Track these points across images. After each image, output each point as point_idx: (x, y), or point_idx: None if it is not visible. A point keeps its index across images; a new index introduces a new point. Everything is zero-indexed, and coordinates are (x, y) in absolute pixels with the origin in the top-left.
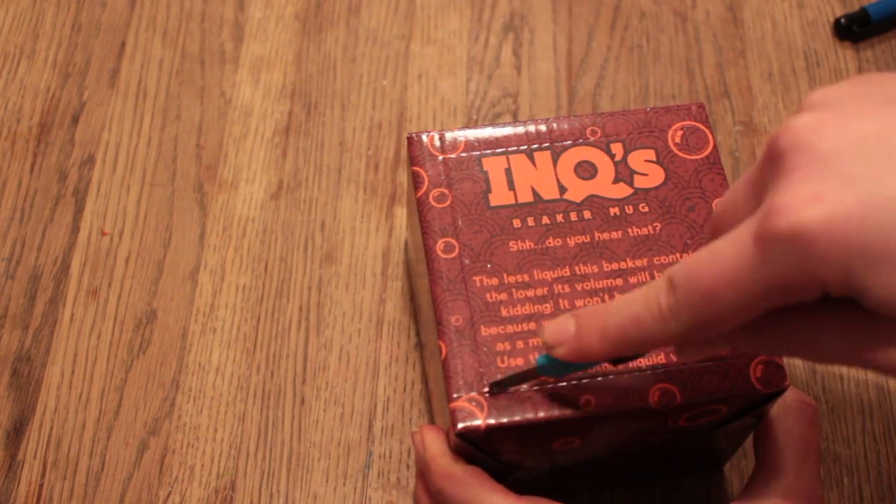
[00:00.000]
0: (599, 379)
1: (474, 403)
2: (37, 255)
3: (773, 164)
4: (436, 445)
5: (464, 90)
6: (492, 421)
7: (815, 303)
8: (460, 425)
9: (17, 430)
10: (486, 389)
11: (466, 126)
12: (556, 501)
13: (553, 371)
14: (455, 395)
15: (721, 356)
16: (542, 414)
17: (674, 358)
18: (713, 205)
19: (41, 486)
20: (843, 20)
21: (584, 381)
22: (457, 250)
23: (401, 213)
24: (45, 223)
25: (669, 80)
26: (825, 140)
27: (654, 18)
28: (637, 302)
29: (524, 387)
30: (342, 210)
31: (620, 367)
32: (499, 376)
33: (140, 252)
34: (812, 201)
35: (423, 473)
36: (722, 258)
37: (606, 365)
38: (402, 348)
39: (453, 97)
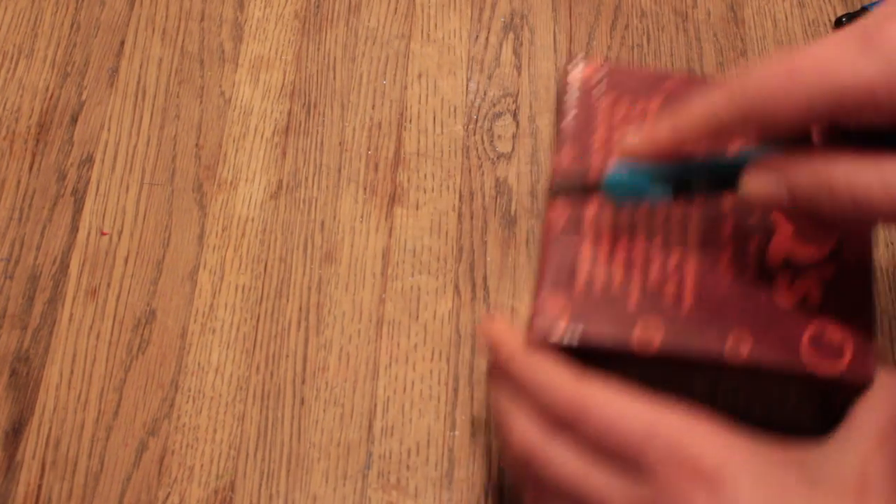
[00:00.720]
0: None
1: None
2: (35, 254)
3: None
4: (503, 333)
5: (464, 90)
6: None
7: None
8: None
9: (16, 431)
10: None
11: None
12: (624, 386)
13: (618, 189)
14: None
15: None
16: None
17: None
18: None
19: (40, 486)
20: (844, 19)
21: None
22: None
23: (401, 213)
24: (43, 223)
25: None
26: None
27: (654, 18)
28: (707, 97)
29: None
30: (342, 210)
31: (685, 201)
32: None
33: (139, 252)
34: None
35: (492, 353)
36: (819, 48)
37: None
38: (402, 348)
39: (453, 97)
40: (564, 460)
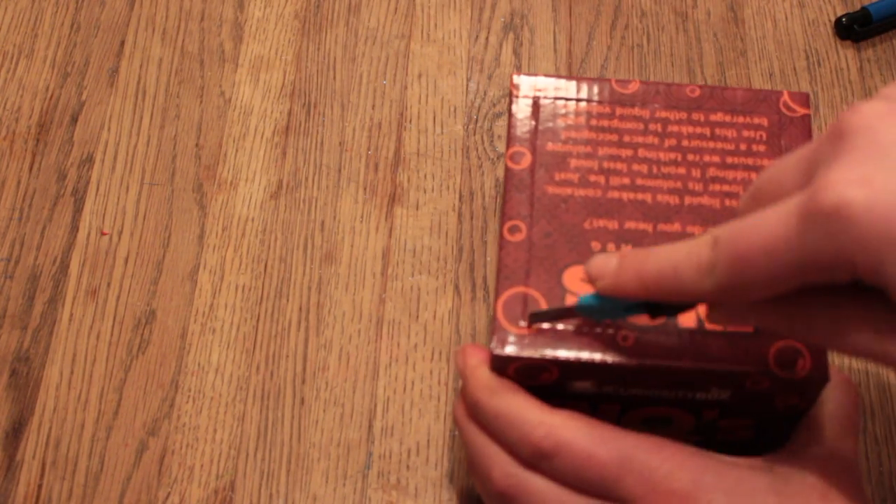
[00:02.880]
0: (634, 332)
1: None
2: (35, 254)
3: (832, 143)
4: (475, 360)
5: (464, 90)
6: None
7: (846, 288)
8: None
9: (16, 431)
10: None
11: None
12: (591, 417)
13: (592, 312)
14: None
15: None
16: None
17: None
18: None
19: (40, 486)
20: (844, 19)
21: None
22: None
23: (401, 213)
24: (43, 223)
25: (670, 79)
26: (889, 130)
27: (654, 18)
28: (679, 252)
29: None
30: (342, 210)
31: (656, 321)
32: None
33: (139, 252)
34: (860, 183)
35: (462, 388)
36: (764, 225)
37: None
38: (402, 348)
39: (453, 97)
40: (547, 492)
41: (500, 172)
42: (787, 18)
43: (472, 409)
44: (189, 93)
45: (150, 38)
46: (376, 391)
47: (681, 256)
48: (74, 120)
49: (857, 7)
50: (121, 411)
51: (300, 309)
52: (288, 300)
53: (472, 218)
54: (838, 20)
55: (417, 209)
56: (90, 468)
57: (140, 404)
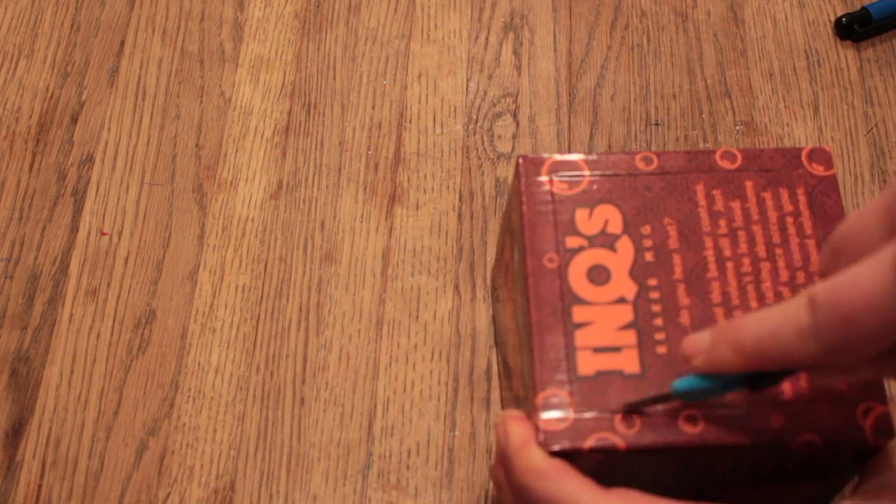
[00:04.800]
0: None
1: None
2: (35, 254)
3: None
4: (519, 436)
5: (464, 90)
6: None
7: None
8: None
9: (16, 431)
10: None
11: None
12: (647, 494)
13: (689, 395)
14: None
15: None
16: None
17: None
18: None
19: (40, 486)
20: (844, 19)
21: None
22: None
23: (400, 213)
24: (43, 223)
25: (670, 79)
26: None
27: (654, 18)
28: (776, 317)
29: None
30: (342, 210)
31: (758, 391)
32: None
33: (139, 252)
34: None
35: (505, 465)
36: (863, 280)
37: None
38: (402, 348)
39: (453, 97)
40: None
41: (500, 172)
42: (787, 18)
43: (518, 492)
44: (189, 93)
45: (150, 38)
46: (376, 391)
47: (777, 322)
48: (74, 120)
49: (857, 7)
50: (121, 411)
51: (300, 309)
52: (288, 300)
53: (472, 218)
54: (838, 20)
55: (417, 209)
56: (90, 468)
57: (140, 404)
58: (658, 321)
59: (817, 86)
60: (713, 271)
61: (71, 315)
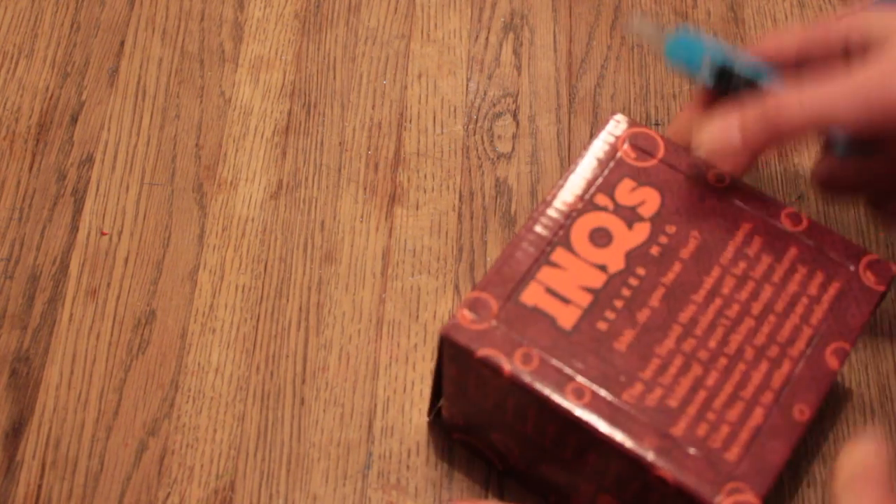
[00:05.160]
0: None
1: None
2: (35, 254)
3: None
4: None
5: (464, 90)
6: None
7: None
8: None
9: (16, 431)
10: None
11: None
12: None
13: (675, 44)
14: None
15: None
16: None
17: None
18: None
19: (40, 486)
20: None
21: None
22: None
23: (400, 213)
24: (43, 223)
25: (670, 79)
26: None
27: (654, 18)
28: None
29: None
30: (342, 210)
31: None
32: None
33: (139, 252)
34: None
35: None
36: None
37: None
38: (402, 348)
39: (453, 97)
40: None
41: (500, 172)
42: (787, 18)
43: None
44: (189, 93)
45: (150, 38)
46: (376, 391)
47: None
48: (74, 120)
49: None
50: (121, 411)
51: (300, 309)
52: (288, 300)
53: (472, 218)
54: None
55: (417, 209)
56: (90, 468)
57: (140, 404)
58: (618, 303)
59: None
60: (699, 297)
61: (71, 315)
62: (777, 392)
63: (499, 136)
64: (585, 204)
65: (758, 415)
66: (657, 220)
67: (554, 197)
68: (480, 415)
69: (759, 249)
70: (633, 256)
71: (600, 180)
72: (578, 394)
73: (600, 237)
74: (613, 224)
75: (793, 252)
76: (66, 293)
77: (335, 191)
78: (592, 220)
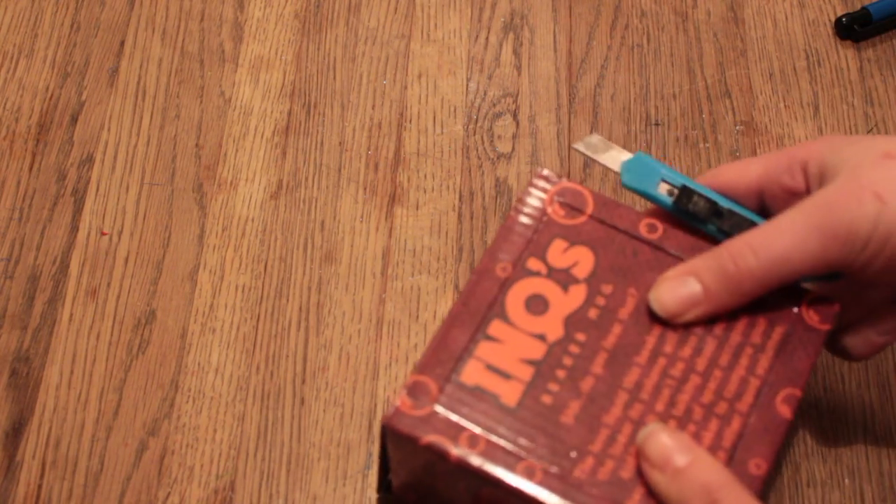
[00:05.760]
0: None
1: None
2: (35, 254)
3: None
4: None
5: (464, 90)
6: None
7: None
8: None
9: (16, 431)
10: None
11: None
12: None
13: (631, 169)
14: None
15: None
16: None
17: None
18: None
19: (40, 486)
20: (844, 19)
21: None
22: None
23: (400, 213)
24: (43, 223)
25: (670, 79)
26: None
27: (654, 18)
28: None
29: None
30: (342, 210)
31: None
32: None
33: (139, 252)
34: None
35: None
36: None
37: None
38: (402, 348)
39: (453, 97)
40: None
41: (500, 172)
42: (787, 18)
43: None
44: (189, 93)
45: (150, 38)
46: (376, 391)
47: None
48: (74, 120)
49: (857, 7)
50: (121, 411)
51: (300, 309)
52: (288, 300)
53: (472, 218)
54: (838, 20)
55: (417, 209)
56: (90, 468)
57: (140, 404)
58: (560, 373)
59: (817, 86)
60: (642, 358)
61: (71, 315)
62: (729, 451)
63: (499, 136)
64: (518, 270)
65: None
66: (593, 281)
67: (485, 266)
68: (433, 494)
69: None
70: (572, 322)
71: (531, 244)
72: (529, 472)
73: (536, 305)
74: (548, 289)
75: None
76: (66, 293)
77: (335, 191)
78: (527, 287)
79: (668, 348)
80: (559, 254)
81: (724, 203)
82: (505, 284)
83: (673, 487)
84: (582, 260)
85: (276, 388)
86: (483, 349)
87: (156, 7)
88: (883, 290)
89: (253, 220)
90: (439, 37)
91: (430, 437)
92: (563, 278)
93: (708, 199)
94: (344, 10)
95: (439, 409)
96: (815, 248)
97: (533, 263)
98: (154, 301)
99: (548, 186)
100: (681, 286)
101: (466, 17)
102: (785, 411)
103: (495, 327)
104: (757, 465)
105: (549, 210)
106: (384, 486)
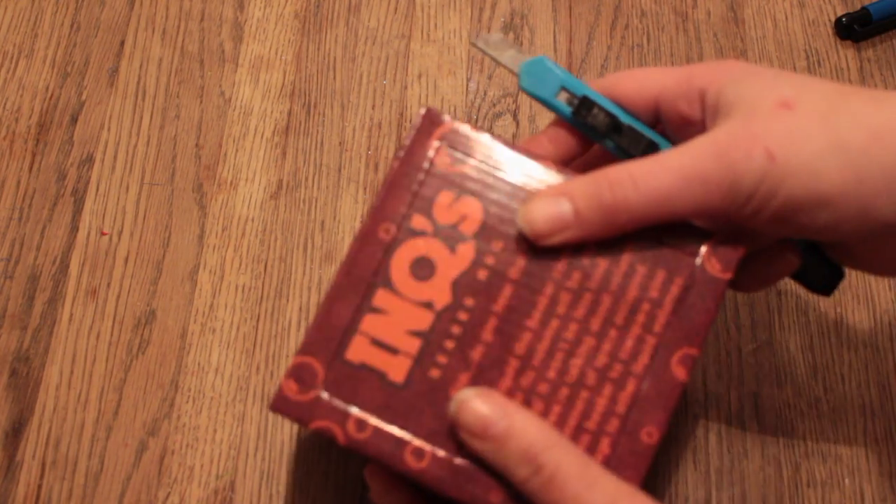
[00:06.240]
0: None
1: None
2: (35, 254)
3: None
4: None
5: (463, 90)
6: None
7: None
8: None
9: (16, 431)
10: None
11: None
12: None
13: (530, 70)
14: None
15: None
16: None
17: None
18: None
19: (40, 486)
20: (844, 19)
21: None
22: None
23: None
24: (43, 223)
25: None
26: None
27: (654, 18)
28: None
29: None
30: (342, 210)
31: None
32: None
33: (139, 252)
34: None
35: None
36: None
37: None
38: None
39: (453, 97)
40: None
41: None
42: (787, 18)
43: None
44: (189, 93)
45: (150, 38)
46: None
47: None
48: (74, 120)
49: (857, 7)
50: (121, 411)
51: (300, 309)
52: (288, 300)
53: None
54: (838, 20)
55: None
56: (90, 468)
57: (140, 404)
58: (449, 344)
59: None
60: (534, 321)
61: (71, 315)
62: (623, 417)
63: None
64: (402, 231)
65: (605, 446)
66: (482, 237)
67: (367, 228)
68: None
69: (593, 254)
70: (460, 286)
71: (416, 198)
72: (418, 456)
73: (422, 269)
74: (435, 250)
75: (629, 251)
76: (66, 293)
77: (335, 191)
78: (411, 249)
79: (560, 309)
80: (445, 208)
81: (626, 119)
82: (389, 248)
83: (498, 455)
84: (470, 213)
85: (276, 388)
86: (368, 323)
87: (156, 7)
88: (772, 236)
89: (253, 220)
90: (439, 37)
91: (318, 423)
92: (451, 235)
93: (608, 114)
94: (344, 10)
95: (324, 394)
96: (697, 193)
97: (418, 221)
98: (154, 301)
99: (431, 128)
100: (552, 205)
101: (466, 17)
102: (680, 373)
103: (380, 297)
104: (648, 434)
105: (435, 157)
106: None
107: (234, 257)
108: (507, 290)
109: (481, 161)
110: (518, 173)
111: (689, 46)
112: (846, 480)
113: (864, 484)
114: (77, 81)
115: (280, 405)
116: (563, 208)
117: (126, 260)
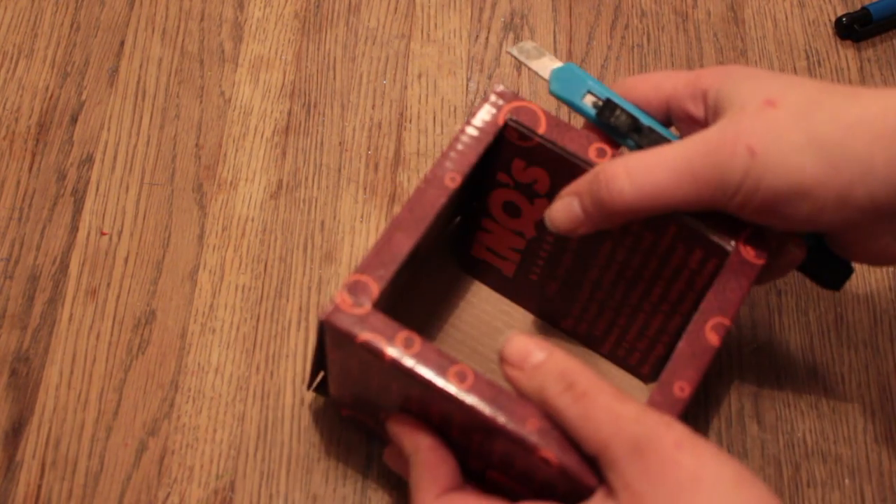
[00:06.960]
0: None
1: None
2: (35, 254)
3: None
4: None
5: (464, 90)
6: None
7: None
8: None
9: (16, 431)
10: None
11: None
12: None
13: (560, 77)
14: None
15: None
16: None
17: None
18: None
19: (40, 486)
20: (844, 19)
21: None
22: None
23: None
24: (43, 223)
25: None
26: None
27: (654, 18)
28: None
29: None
30: (342, 210)
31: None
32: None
33: (139, 252)
34: None
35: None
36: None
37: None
38: None
39: (453, 97)
40: None
41: None
42: (787, 18)
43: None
44: (189, 93)
45: (150, 38)
46: None
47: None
48: (74, 120)
49: (857, 7)
50: (121, 411)
51: (300, 309)
52: (288, 300)
53: None
54: (838, 20)
55: None
56: (90, 468)
57: (140, 404)
58: (540, 262)
59: None
60: (600, 261)
61: (71, 315)
62: (668, 344)
63: None
64: (490, 181)
65: (646, 368)
66: (552, 196)
67: (433, 174)
68: (367, 394)
69: (641, 227)
70: (541, 227)
71: (495, 159)
72: (461, 377)
73: (511, 210)
74: (518, 199)
75: (672, 230)
76: (66, 293)
77: (335, 191)
78: (501, 195)
79: (619, 255)
80: (521, 171)
81: (645, 120)
82: (453, 194)
83: (533, 381)
84: (540, 178)
85: (276, 388)
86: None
87: (156, 7)
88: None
89: (253, 220)
90: (439, 37)
91: (366, 336)
92: (528, 192)
93: (630, 115)
94: (344, 10)
95: (376, 311)
96: (688, 188)
97: (503, 177)
98: (154, 301)
99: (501, 103)
100: (567, 205)
101: (466, 17)
102: (713, 338)
103: (486, 223)
104: (681, 388)
105: (504, 131)
106: (319, 387)
107: (234, 257)
108: (575, 242)
109: (544, 137)
110: (575, 145)
111: (689, 46)
112: (846, 480)
113: (864, 484)
114: (77, 81)
115: (333, 317)
116: (574, 206)
117: (126, 260)
